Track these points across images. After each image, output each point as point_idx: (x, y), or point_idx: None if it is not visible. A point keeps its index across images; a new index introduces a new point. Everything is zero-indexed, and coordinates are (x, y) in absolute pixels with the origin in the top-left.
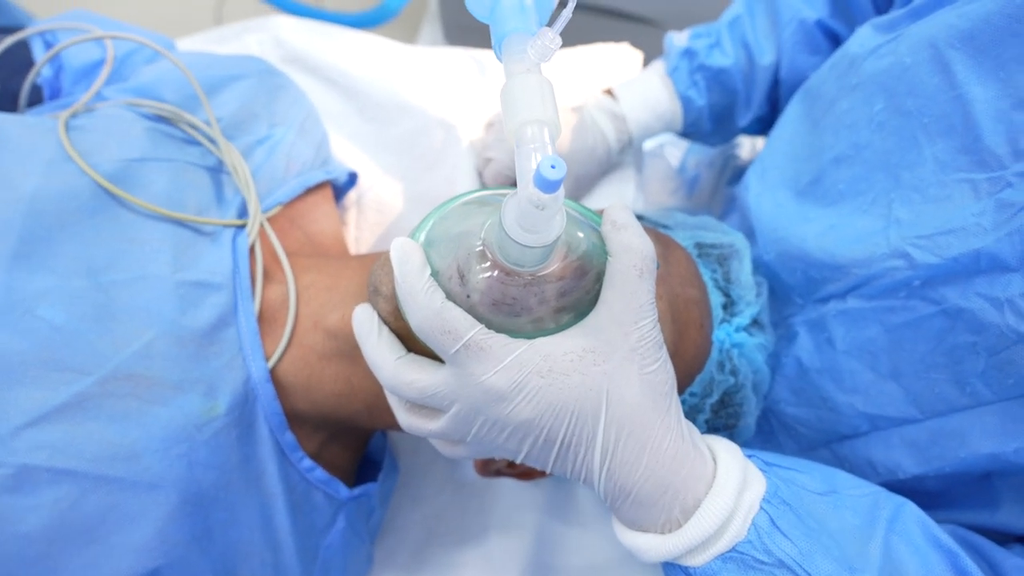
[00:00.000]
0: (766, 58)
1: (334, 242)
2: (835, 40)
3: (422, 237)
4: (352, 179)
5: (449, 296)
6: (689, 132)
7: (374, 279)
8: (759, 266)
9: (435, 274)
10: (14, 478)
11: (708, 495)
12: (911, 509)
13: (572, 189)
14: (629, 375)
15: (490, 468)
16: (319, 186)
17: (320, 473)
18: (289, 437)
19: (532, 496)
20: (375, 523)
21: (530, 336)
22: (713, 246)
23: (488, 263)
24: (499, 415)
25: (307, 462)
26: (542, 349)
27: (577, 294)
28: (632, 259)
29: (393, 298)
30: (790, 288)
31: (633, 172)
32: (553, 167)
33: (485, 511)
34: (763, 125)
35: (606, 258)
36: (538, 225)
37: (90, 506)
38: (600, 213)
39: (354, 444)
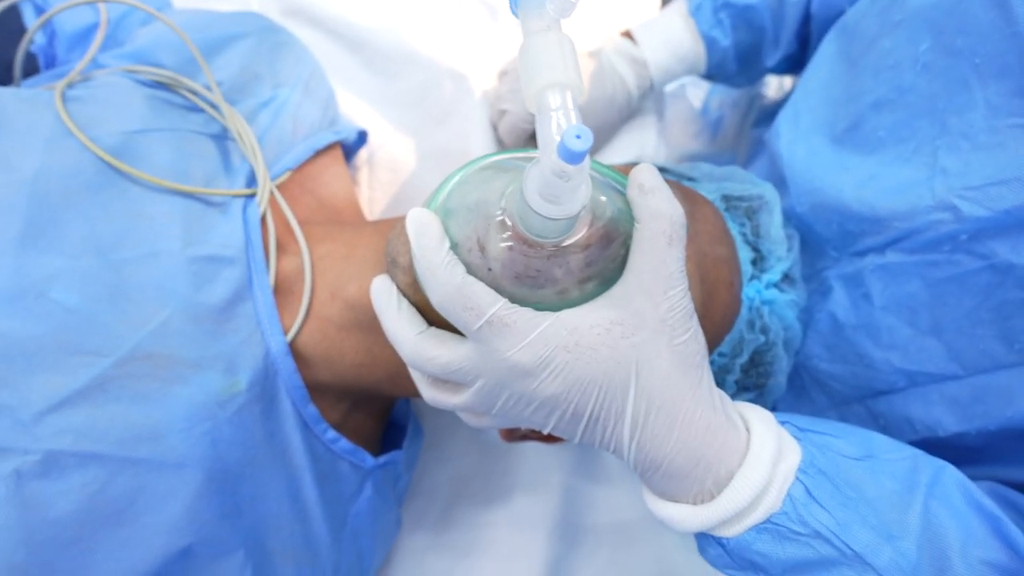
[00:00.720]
0: None
1: (347, 205)
2: None
3: (439, 204)
4: (362, 138)
5: (469, 269)
6: (713, 74)
7: (391, 249)
8: (790, 218)
9: (454, 246)
10: (41, 464)
11: (742, 467)
12: (951, 472)
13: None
14: (659, 347)
15: (515, 435)
16: (328, 147)
17: (345, 444)
18: (312, 410)
19: (558, 456)
20: (402, 488)
21: (555, 307)
22: (741, 198)
23: (509, 234)
24: (525, 390)
25: (331, 433)
26: (568, 322)
27: (603, 263)
28: (661, 225)
29: (411, 269)
30: (824, 241)
31: (654, 118)
32: (579, 136)
33: (511, 472)
34: (792, 64)
35: (632, 223)
36: (562, 196)
37: (118, 488)
38: (624, 172)
39: (378, 411)
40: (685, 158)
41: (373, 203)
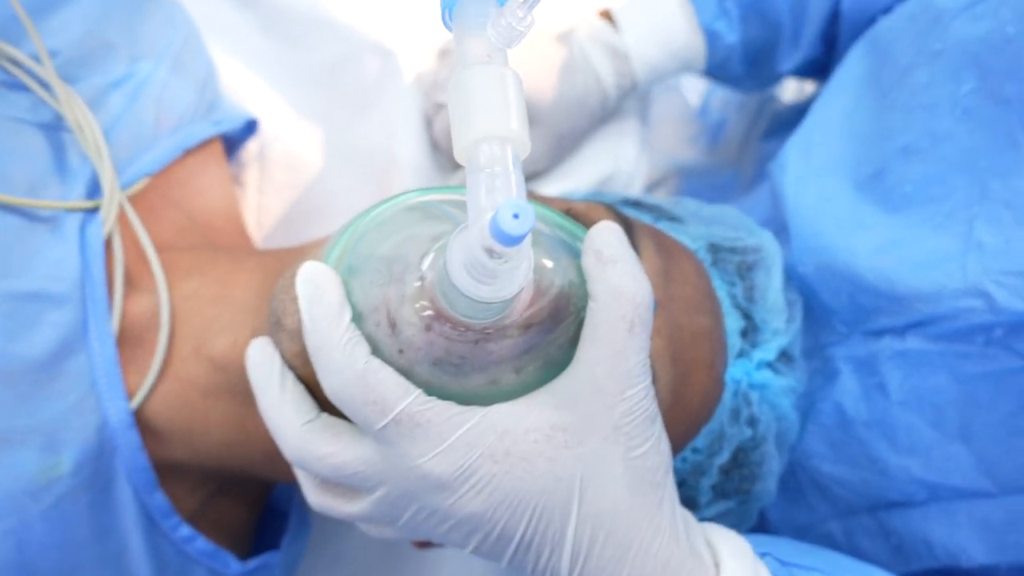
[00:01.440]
0: None
1: (226, 222)
2: None
3: (340, 258)
4: (251, 127)
5: (375, 347)
6: (714, 74)
7: (276, 306)
8: (791, 278)
9: (357, 317)
10: None
11: None
12: None
13: (552, 150)
14: (611, 461)
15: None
16: (204, 144)
17: (202, 543)
18: (160, 498)
19: (486, 563)
20: None
21: (482, 397)
22: (733, 250)
23: (428, 310)
24: (439, 505)
25: (185, 530)
26: (498, 424)
27: (546, 348)
28: (622, 308)
29: (301, 336)
30: (831, 311)
31: (635, 123)
32: (516, 216)
33: None
34: (813, 69)
35: (587, 297)
36: (495, 276)
37: None
38: (584, 216)
39: (250, 497)
40: (672, 170)
41: (263, 212)
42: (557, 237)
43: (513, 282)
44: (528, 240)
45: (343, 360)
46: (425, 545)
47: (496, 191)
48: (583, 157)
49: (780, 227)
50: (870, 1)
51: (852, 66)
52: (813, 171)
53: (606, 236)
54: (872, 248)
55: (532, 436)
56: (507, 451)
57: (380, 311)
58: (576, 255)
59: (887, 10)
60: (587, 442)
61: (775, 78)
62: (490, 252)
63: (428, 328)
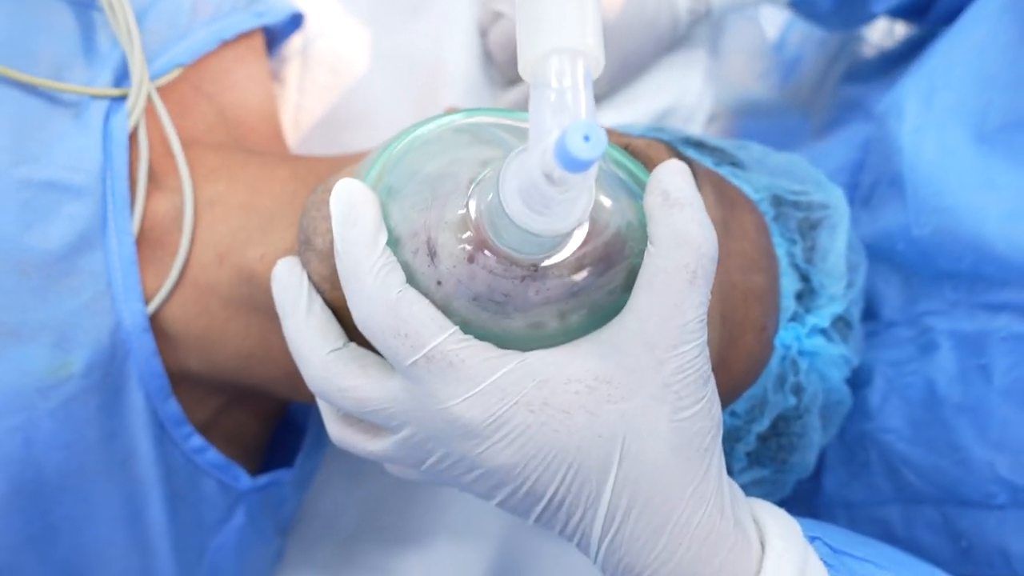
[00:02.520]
0: None
1: (260, 122)
2: None
3: (379, 177)
4: (295, 22)
5: (411, 276)
6: (799, 6)
7: (307, 224)
8: (897, 240)
9: (393, 242)
10: None
11: None
12: None
13: (618, 72)
14: (656, 421)
15: None
16: (243, 35)
17: (213, 455)
18: (172, 406)
19: None
20: (288, 512)
21: (523, 342)
22: (797, 205)
23: (472, 238)
24: (466, 453)
25: (196, 440)
26: (537, 371)
27: (597, 293)
28: (684, 256)
29: (332, 258)
30: (943, 275)
31: (704, 55)
32: (587, 139)
33: (437, 507)
34: (913, 11)
35: (644, 242)
36: (552, 206)
37: None
38: (644, 155)
39: (265, 411)
40: (739, 107)
41: (301, 112)
42: (615, 174)
43: (571, 215)
44: (594, 169)
45: (375, 288)
46: None
47: (565, 110)
48: (645, 85)
49: (891, 180)
50: None
51: (974, 18)
52: (935, 120)
53: (675, 176)
54: (1005, 212)
55: (573, 387)
56: (545, 401)
57: (419, 237)
58: (634, 195)
59: None
60: (632, 398)
61: (866, 18)
62: (551, 178)
63: (471, 259)
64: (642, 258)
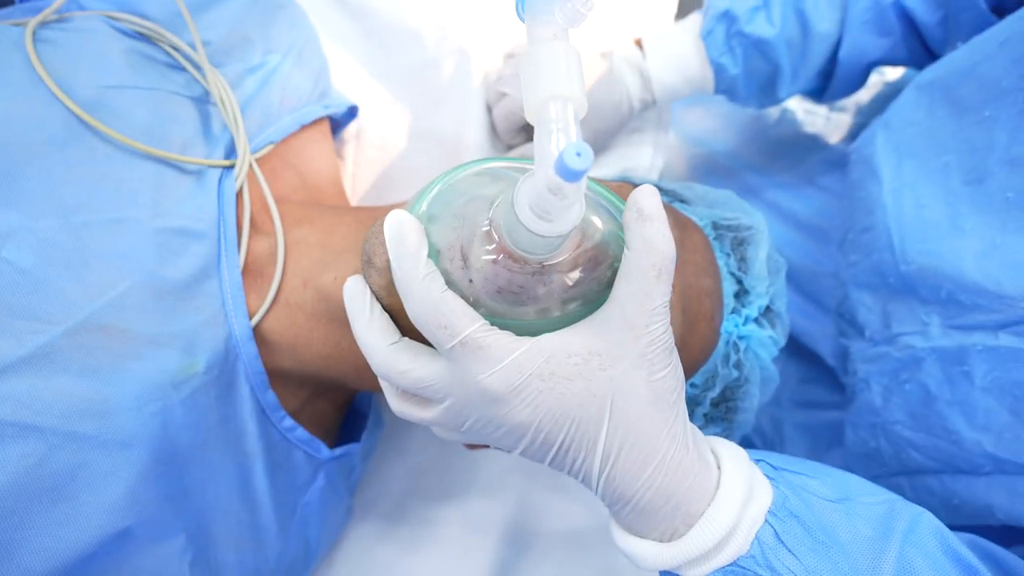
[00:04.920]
0: (824, 29)
1: (330, 184)
2: (909, 23)
3: (423, 210)
4: (352, 112)
5: (449, 278)
6: (722, 94)
7: (368, 248)
8: (887, 275)
9: (435, 253)
10: None
11: (710, 507)
12: (928, 519)
13: (591, 143)
14: (636, 382)
15: (478, 444)
16: (316, 122)
17: (301, 433)
18: (271, 396)
19: (517, 461)
20: (355, 478)
21: (534, 327)
22: (730, 227)
23: (494, 246)
24: (494, 415)
25: (288, 421)
26: (545, 349)
27: (588, 284)
28: (652, 257)
29: (387, 272)
30: (922, 303)
31: (652, 130)
32: (579, 155)
33: (470, 470)
34: (813, 95)
35: (623, 246)
36: (554, 213)
37: (58, 463)
38: (616, 191)
39: (339, 400)
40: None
41: (357, 180)
42: (599, 201)
43: (568, 220)
44: (584, 182)
45: (422, 291)
46: (475, 447)
47: (561, 140)
48: (609, 154)
49: (879, 232)
50: (864, 52)
51: (909, 99)
52: (907, 182)
53: (648, 197)
54: (977, 251)
55: (573, 360)
56: (552, 371)
57: (454, 248)
58: (612, 216)
59: (881, 63)
60: (617, 365)
61: (775, 101)
62: (552, 190)
63: (494, 261)
64: (620, 260)
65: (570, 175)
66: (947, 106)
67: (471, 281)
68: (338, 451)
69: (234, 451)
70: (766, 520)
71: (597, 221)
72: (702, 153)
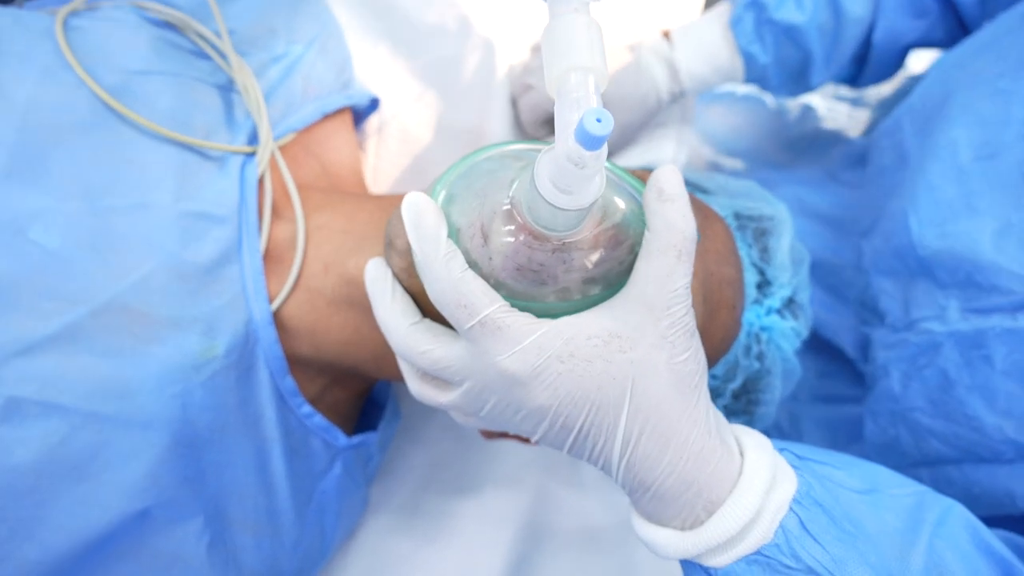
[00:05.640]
0: (858, 13)
1: (351, 174)
2: (946, 2)
3: (442, 192)
4: (374, 104)
5: (469, 257)
6: (754, 81)
7: (389, 230)
8: (907, 259)
9: (455, 232)
10: (3, 409)
11: (732, 493)
12: (960, 511)
13: (616, 136)
14: (657, 365)
15: (495, 433)
16: (338, 112)
17: (319, 420)
18: (289, 382)
19: (535, 456)
20: (372, 468)
21: (553, 308)
22: (752, 218)
23: (515, 224)
24: (513, 398)
25: (306, 408)
26: (564, 331)
27: (608, 265)
28: (673, 238)
29: (408, 254)
30: (941, 287)
31: (676, 125)
32: (599, 120)
33: (486, 463)
34: (847, 81)
35: (643, 229)
36: (575, 185)
37: (80, 442)
38: (639, 177)
39: (357, 390)
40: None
41: (378, 173)
42: (621, 184)
43: (589, 192)
44: (604, 151)
45: (441, 271)
46: (491, 434)
47: (581, 108)
48: (634, 147)
49: (896, 214)
50: (900, 34)
51: (931, 86)
52: (918, 164)
53: (669, 177)
54: (994, 230)
55: (592, 341)
56: (572, 353)
57: (475, 226)
58: (634, 198)
59: (917, 44)
60: (637, 348)
61: (807, 89)
62: (573, 159)
63: (515, 238)
64: (641, 241)
65: (591, 142)
66: (960, 78)
67: (491, 259)
68: (356, 439)
69: (252, 435)
70: (791, 508)
71: (619, 202)
72: (723, 150)
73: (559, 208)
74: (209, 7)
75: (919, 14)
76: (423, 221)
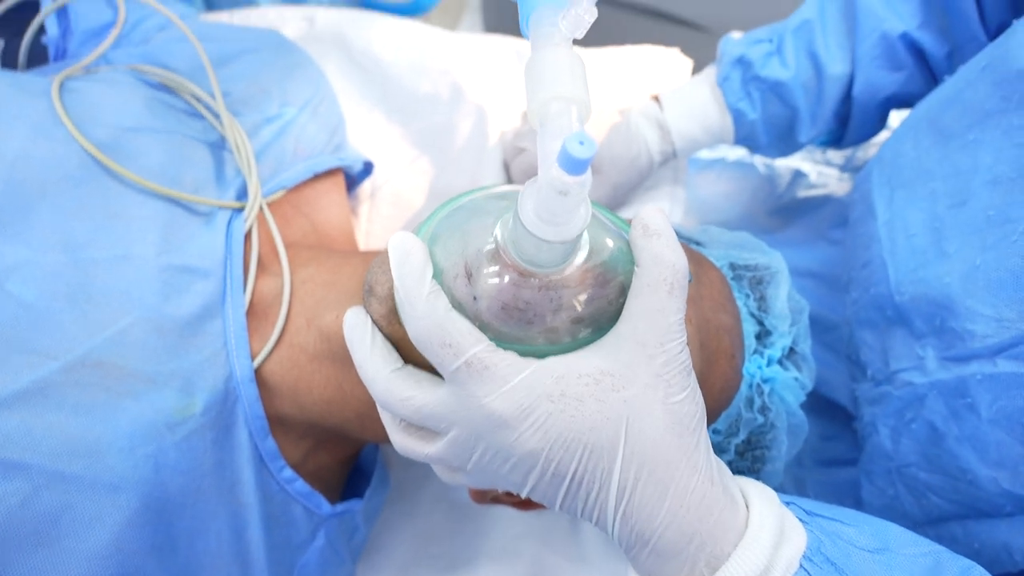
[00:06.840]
0: (837, 70)
1: (341, 234)
2: (920, 56)
3: (427, 232)
4: (367, 169)
5: (453, 299)
6: (743, 144)
7: (370, 277)
8: (885, 308)
9: (439, 273)
10: None
11: (738, 547)
12: (979, 574)
13: (609, 197)
14: (652, 404)
15: (487, 496)
16: (330, 173)
17: (301, 485)
18: (270, 444)
19: (532, 524)
20: (359, 541)
21: (541, 352)
22: (748, 267)
23: (500, 263)
24: (502, 443)
25: (288, 472)
26: (554, 370)
27: (597, 304)
28: (662, 272)
29: (389, 299)
30: (915, 337)
31: (668, 186)
32: (582, 143)
33: (480, 535)
34: (830, 140)
35: (632, 268)
36: (559, 215)
37: (42, 505)
38: (629, 222)
39: (342, 455)
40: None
41: (370, 237)
42: (608, 224)
43: (574, 223)
44: (588, 178)
45: (425, 308)
46: (483, 497)
47: (563, 133)
48: (627, 208)
49: (872, 264)
50: (878, 88)
51: (908, 127)
52: (898, 212)
53: (652, 214)
54: (962, 273)
55: (584, 380)
56: (562, 392)
57: (459, 265)
58: (623, 238)
59: (896, 98)
60: (631, 387)
61: (796, 147)
62: (559, 188)
63: (500, 276)
64: (631, 278)
65: (574, 165)
66: (932, 134)
67: (475, 299)
68: (340, 507)
69: (228, 500)
70: (801, 565)
71: (607, 241)
72: (714, 217)
73: (544, 240)
74: (206, 72)
75: (895, 67)
76: (409, 259)
